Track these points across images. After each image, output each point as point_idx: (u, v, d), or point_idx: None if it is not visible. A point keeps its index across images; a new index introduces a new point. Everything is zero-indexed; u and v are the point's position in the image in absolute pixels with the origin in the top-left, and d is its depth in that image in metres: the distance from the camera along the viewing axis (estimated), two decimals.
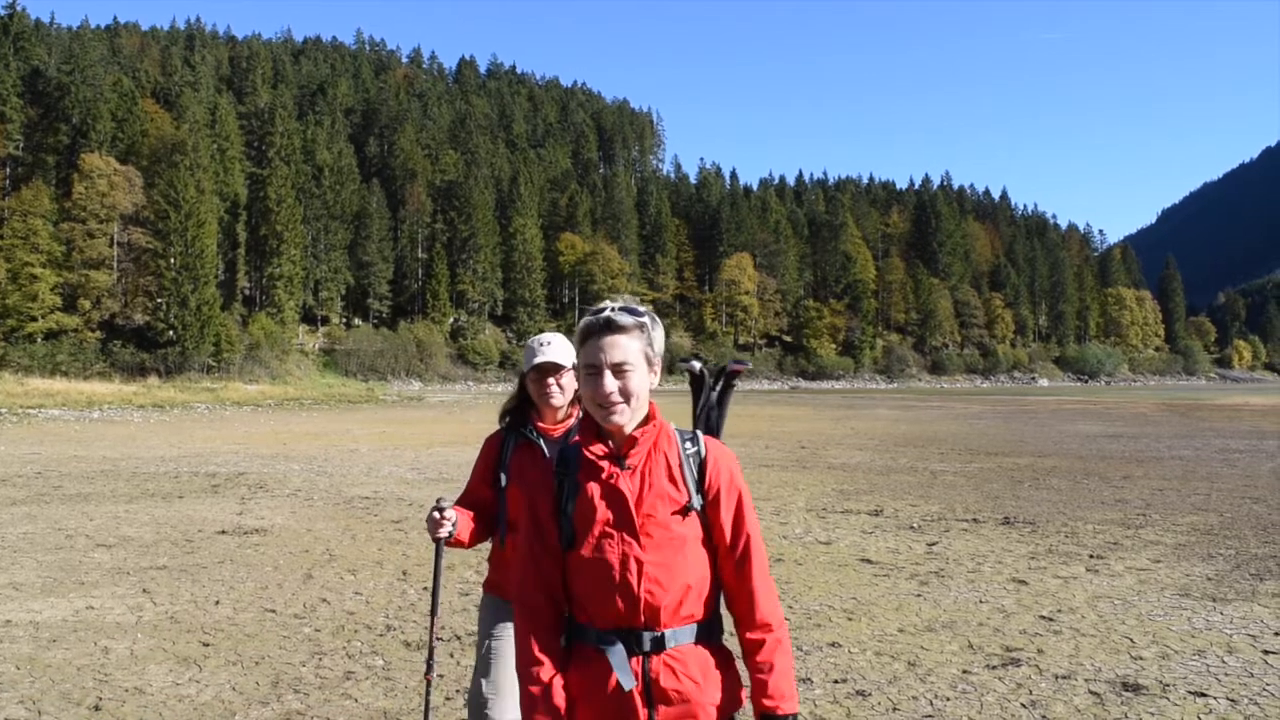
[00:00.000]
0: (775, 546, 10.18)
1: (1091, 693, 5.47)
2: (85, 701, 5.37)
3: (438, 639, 4.35)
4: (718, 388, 2.59)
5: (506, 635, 3.44)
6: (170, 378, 65.06)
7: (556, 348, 3.57)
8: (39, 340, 68.18)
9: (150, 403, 46.55)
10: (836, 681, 5.70)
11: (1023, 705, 5.27)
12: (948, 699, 5.38)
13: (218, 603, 7.73)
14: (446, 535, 3.42)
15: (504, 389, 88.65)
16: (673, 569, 2.28)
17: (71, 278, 72.24)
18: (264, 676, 5.84)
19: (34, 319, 68.54)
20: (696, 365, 2.60)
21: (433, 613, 3.83)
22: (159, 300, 72.40)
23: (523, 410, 3.67)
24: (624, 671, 2.24)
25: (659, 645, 2.26)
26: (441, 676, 5.75)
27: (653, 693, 2.24)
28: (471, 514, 3.55)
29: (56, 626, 6.99)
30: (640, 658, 2.26)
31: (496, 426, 3.76)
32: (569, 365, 3.57)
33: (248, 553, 9.86)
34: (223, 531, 11.09)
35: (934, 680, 5.72)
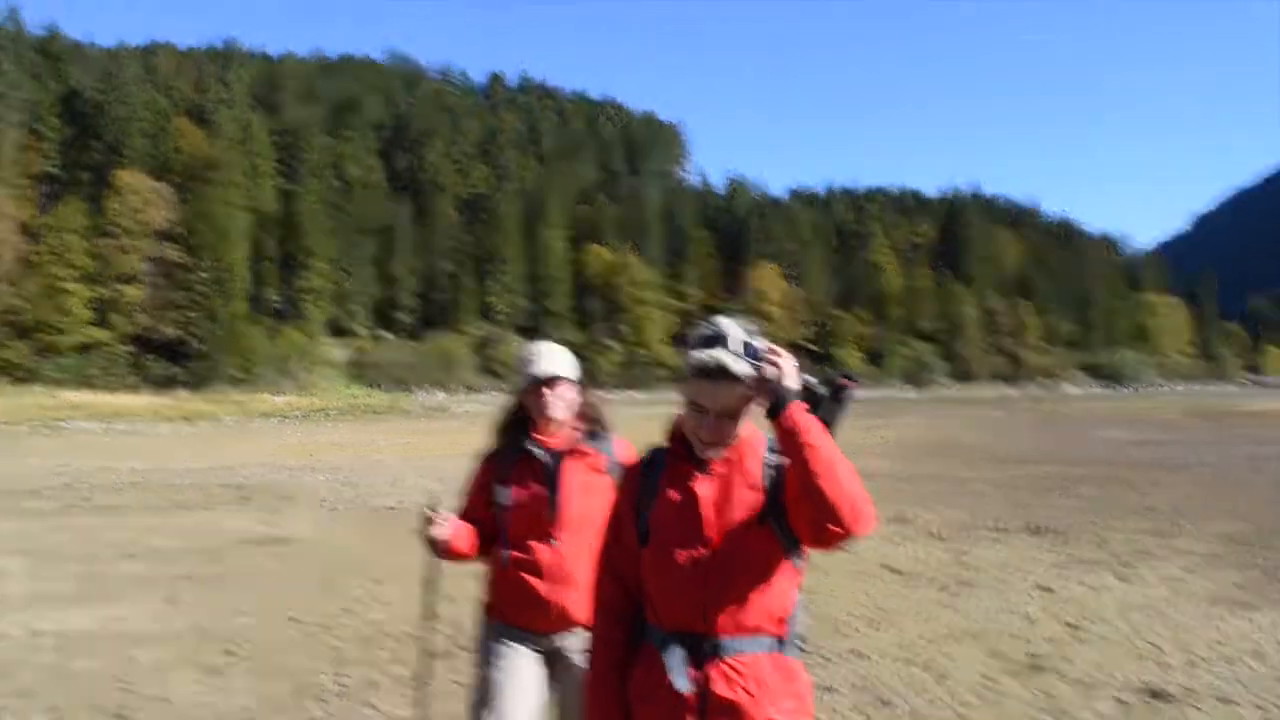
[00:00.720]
0: None
1: (1117, 700, 5.41)
2: (110, 710, 5.41)
3: (433, 653, 3.80)
4: (827, 405, 2.43)
5: (506, 665, 3.34)
6: (199, 390, 65.55)
7: (554, 358, 3.47)
8: (70, 354, 68.93)
9: (179, 415, 46.88)
10: (860, 690, 5.67)
11: (1046, 713, 5.22)
12: (971, 707, 5.34)
13: (242, 613, 7.77)
14: (441, 535, 3.37)
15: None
16: (739, 579, 2.29)
17: (104, 292, 73.01)
18: (286, 686, 5.86)
19: (65, 333, 69.34)
20: (810, 379, 2.47)
21: (427, 620, 3.59)
22: (189, 314, 73.05)
23: (519, 424, 3.51)
24: (679, 674, 2.28)
25: (718, 653, 2.28)
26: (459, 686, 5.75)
27: (707, 700, 2.26)
28: (473, 529, 3.46)
29: (83, 636, 7.05)
30: (699, 664, 2.28)
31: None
32: (567, 375, 3.45)
33: (273, 563, 9.92)
34: (248, 542, 11.15)
35: (958, 688, 5.67)
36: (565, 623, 3.33)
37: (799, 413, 2.14)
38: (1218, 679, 5.78)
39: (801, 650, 2.46)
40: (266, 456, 24.22)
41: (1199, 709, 5.26)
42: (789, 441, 2.14)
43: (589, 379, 3.58)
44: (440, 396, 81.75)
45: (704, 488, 2.33)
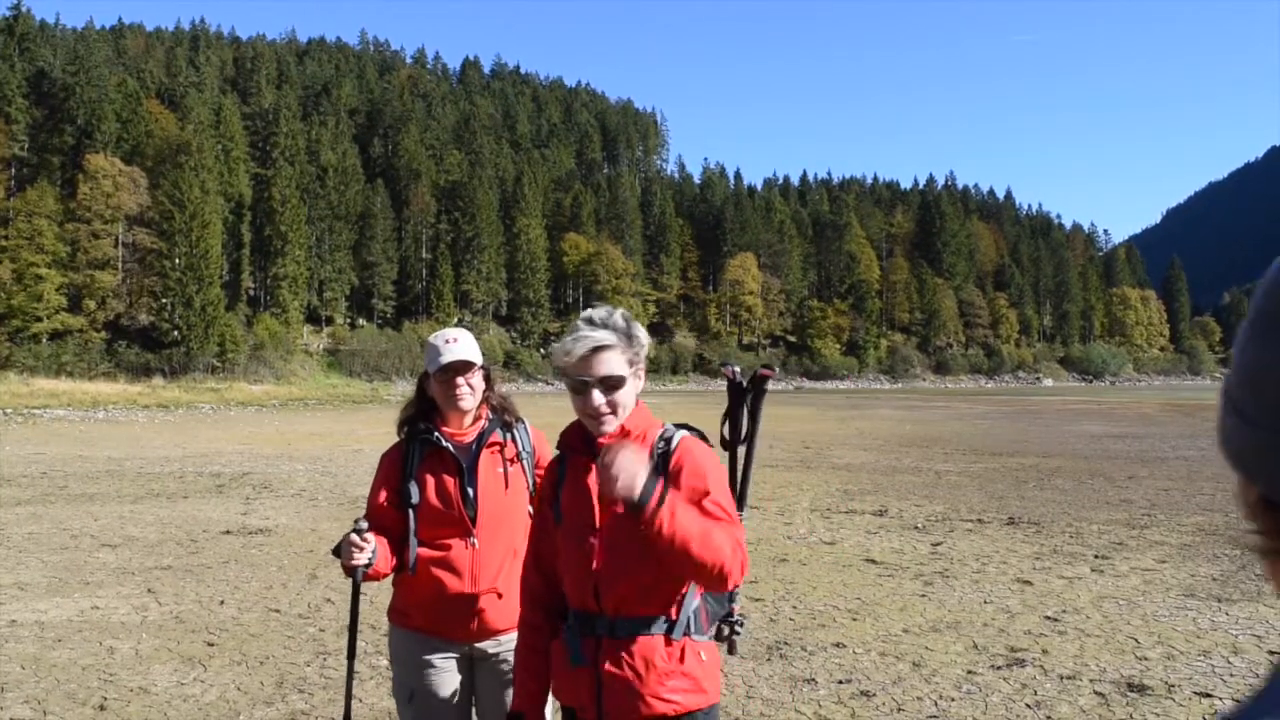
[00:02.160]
0: (780, 546, 10.18)
1: (1096, 693, 5.46)
2: (90, 701, 5.38)
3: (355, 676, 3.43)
4: (750, 394, 2.71)
5: (432, 680, 3.15)
6: (175, 378, 65.08)
7: (464, 344, 3.25)
8: (44, 341, 68.26)
9: (155, 403, 46.61)
10: (841, 682, 5.70)
11: (1027, 706, 5.26)
12: (952, 699, 5.38)
13: (222, 603, 7.73)
14: (365, 562, 3.02)
15: (506, 389, 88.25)
16: (628, 563, 2.40)
17: (76, 278, 72.32)
18: (268, 676, 5.84)
19: (39, 319, 68.64)
20: (733, 369, 2.74)
21: (350, 655, 3.31)
22: (164, 301, 72.40)
23: (425, 417, 3.31)
24: (573, 650, 2.46)
25: (610, 632, 2.43)
26: None
27: (600, 676, 2.41)
28: (386, 541, 3.16)
29: (62, 626, 7.00)
30: (593, 642, 2.44)
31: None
32: (479, 363, 3.27)
33: (252, 553, 9.87)
34: (227, 531, 11.10)
35: (939, 681, 5.71)
36: (485, 630, 3.15)
37: (650, 513, 2.19)
38: (1196, 672, 5.85)
39: (732, 632, 2.59)
40: (244, 446, 24.11)
41: (1177, 702, 5.31)
42: (650, 538, 2.22)
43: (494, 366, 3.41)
44: None
45: (594, 477, 2.43)
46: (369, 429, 30.86)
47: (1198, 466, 18.76)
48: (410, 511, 3.16)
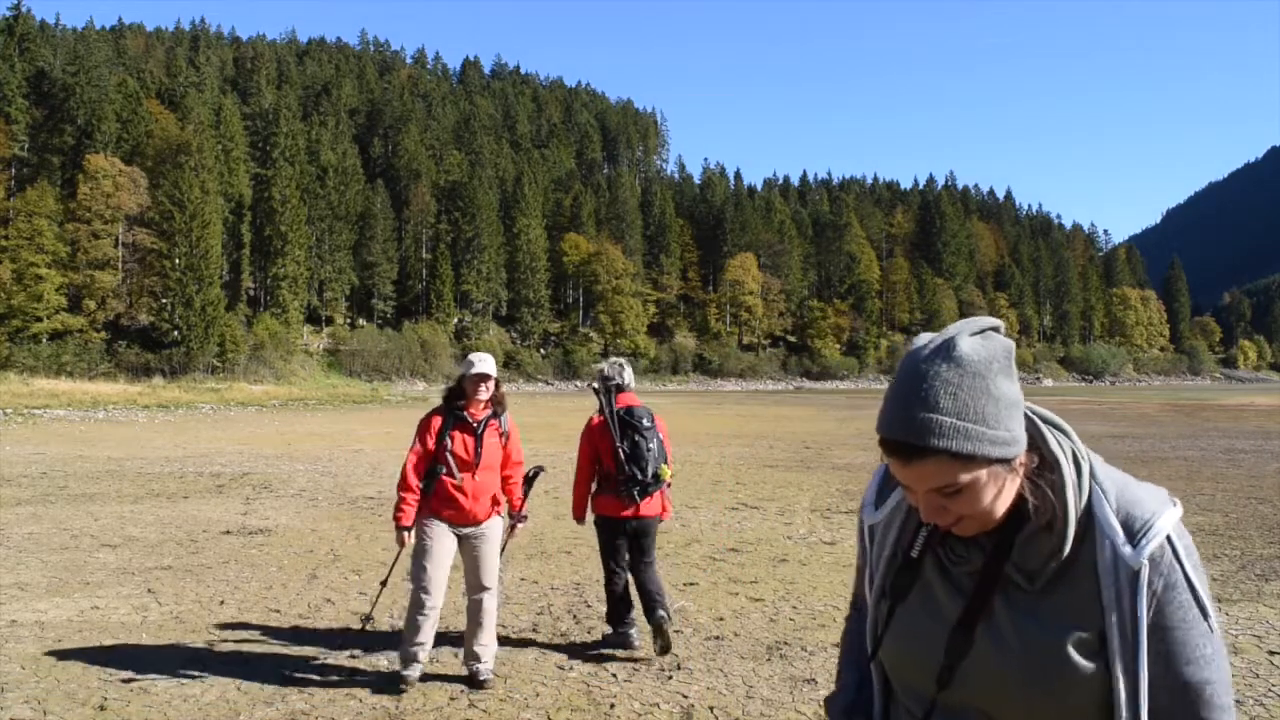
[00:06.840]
0: (779, 546, 10.17)
1: None
2: (90, 701, 5.37)
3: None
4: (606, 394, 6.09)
5: (434, 539, 5.65)
6: (175, 378, 65.01)
7: (488, 363, 5.79)
8: (44, 341, 68.18)
9: (155, 403, 46.53)
10: None
11: None
12: None
13: (222, 603, 7.73)
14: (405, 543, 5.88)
15: (507, 388, 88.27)
16: None
17: (76, 278, 72.24)
18: (269, 676, 5.83)
19: (39, 319, 68.55)
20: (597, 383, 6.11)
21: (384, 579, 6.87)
22: (164, 301, 72.31)
23: (457, 398, 5.82)
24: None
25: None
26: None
27: None
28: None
29: (62, 626, 6.99)
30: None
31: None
32: (493, 374, 5.79)
33: (252, 553, 9.86)
34: (227, 532, 11.09)
35: None
36: (474, 521, 5.72)
37: None
38: None
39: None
40: (244, 446, 24.09)
41: None
42: None
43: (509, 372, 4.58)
44: (420, 386, 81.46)
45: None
46: (369, 429, 30.86)
47: (1198, 466, 18.76)
48: (444, 452, 5.70)
